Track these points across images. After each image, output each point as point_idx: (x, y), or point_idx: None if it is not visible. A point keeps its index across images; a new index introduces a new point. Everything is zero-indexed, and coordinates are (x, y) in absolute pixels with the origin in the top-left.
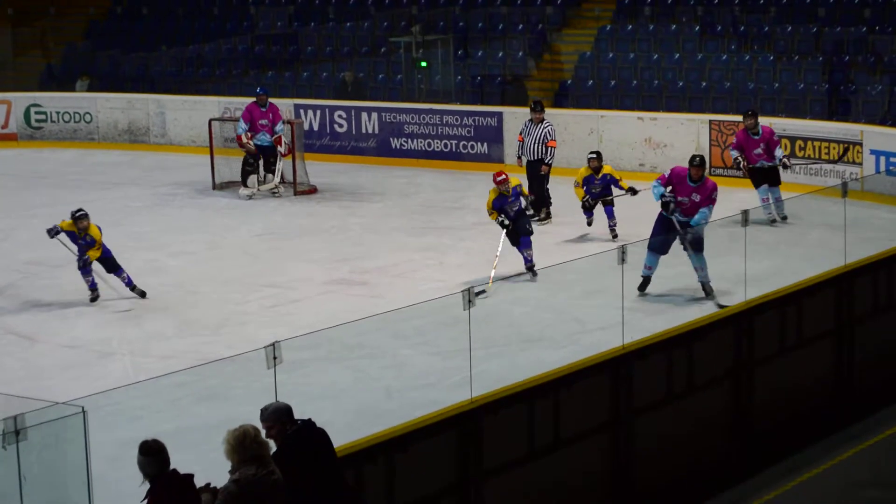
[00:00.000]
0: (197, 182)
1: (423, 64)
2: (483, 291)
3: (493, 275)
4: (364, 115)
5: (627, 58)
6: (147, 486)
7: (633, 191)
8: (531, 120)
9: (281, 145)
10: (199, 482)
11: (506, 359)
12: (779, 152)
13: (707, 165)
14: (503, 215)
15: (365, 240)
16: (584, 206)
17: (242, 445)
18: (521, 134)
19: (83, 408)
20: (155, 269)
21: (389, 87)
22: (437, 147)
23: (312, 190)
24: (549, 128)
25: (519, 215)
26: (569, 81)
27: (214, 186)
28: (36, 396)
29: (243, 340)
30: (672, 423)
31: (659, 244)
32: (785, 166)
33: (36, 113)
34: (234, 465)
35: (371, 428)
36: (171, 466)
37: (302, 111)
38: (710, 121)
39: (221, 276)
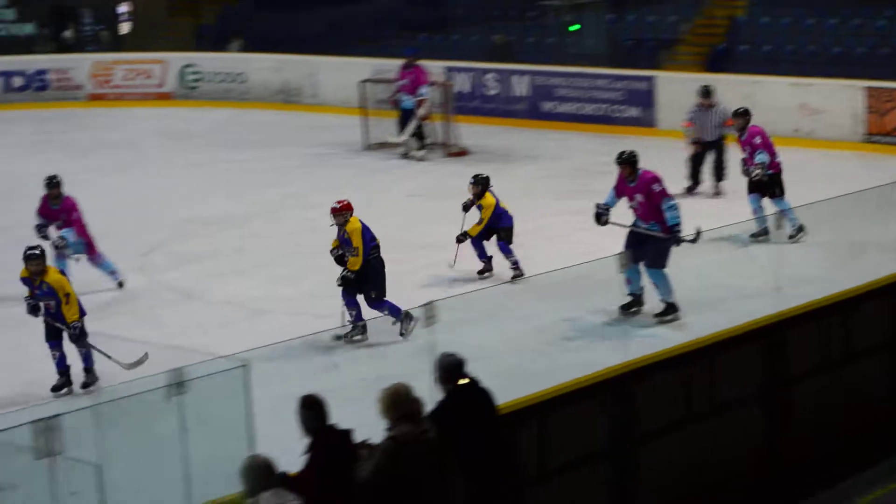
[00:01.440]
0: (349, 143)
1: (575, 27)
2: None
3: None
4: (515, 78)
5: (781, 23)
6: (307, 440)
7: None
8: (700, 105)
9: (421, 107)
10: (355, 439)
11: (657, 324)
12: (760, 158)
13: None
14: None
15: (516, 202)
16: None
17: (396, 403)
18: (689, 120)
19: (245, 362)
20: (311, 229)
21: (540, 49)
22: (588, 110)
23: (463, 152)
24: (724, 109)
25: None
26: (721, 46)
27: (366, 147)
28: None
29: (397, 300)
30: (827, 393)
31: (630, 255)
32: (750, 176)
33: (191, 73)
34: (389, 423)
35: (524, 390)
36: (330, 422)
37: (453, 73)
38: (867, 87)
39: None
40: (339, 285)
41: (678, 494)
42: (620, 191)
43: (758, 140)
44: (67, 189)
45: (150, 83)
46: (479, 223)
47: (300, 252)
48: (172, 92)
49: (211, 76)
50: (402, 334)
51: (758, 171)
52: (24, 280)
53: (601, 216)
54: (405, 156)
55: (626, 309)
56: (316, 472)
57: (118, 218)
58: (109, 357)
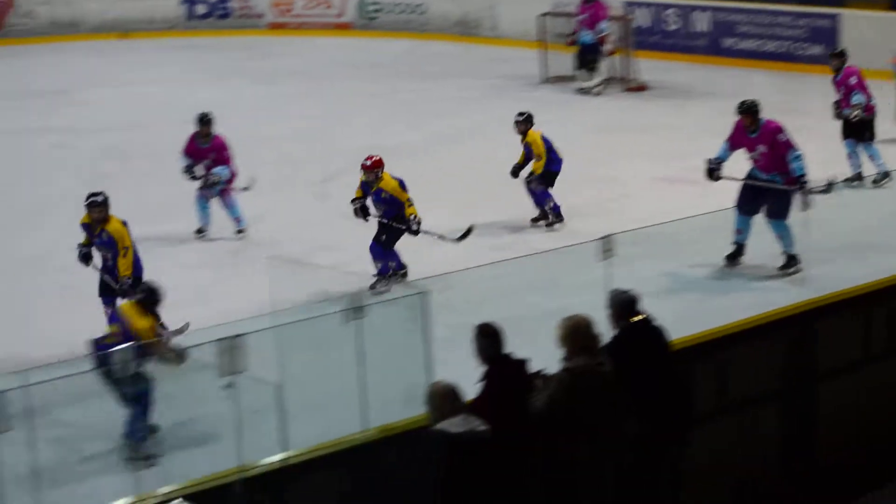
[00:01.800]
0: (527, 76)
1: None
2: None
3: None
4: (696, 14)
5: None
6: (482, 369)
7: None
8: None
9: (606, 44)
10: (530, 369)
11: (838, 265)
12: (857, 98)
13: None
14: (364, 202)
15: (696, 138)
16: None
17: (575, 335)
18: None
19: (424, 289)
20: (488, 159)
21: None
22: (770, 48)
23: (642, 87)
24: None
25: (387, 223)
26: None
27: (543, 80)
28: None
29: (573, 233)
30: None
31: (746, 207)
32: (846, 119)
33: (371, 3)
34: (566, 354)
35: (699, 326)
36: (506, 351)
37: (633, 8)
38: None
39: None
40: (415, 233)
41: (855, 435)
42: (737, 142)
43: (853, 80)
44: (248, 117)
45: (330, 13)
46: (538, 160)
47: (477, 182)
48: (352, 22)
49: (390, 7)
50: (372, 287)
51: (857, 112)
52: (85, 226)
53: (713, 171)
54: (582, 90)
55: (731, 259)
56: (491, 400)
57: (298, 146)
58: None
